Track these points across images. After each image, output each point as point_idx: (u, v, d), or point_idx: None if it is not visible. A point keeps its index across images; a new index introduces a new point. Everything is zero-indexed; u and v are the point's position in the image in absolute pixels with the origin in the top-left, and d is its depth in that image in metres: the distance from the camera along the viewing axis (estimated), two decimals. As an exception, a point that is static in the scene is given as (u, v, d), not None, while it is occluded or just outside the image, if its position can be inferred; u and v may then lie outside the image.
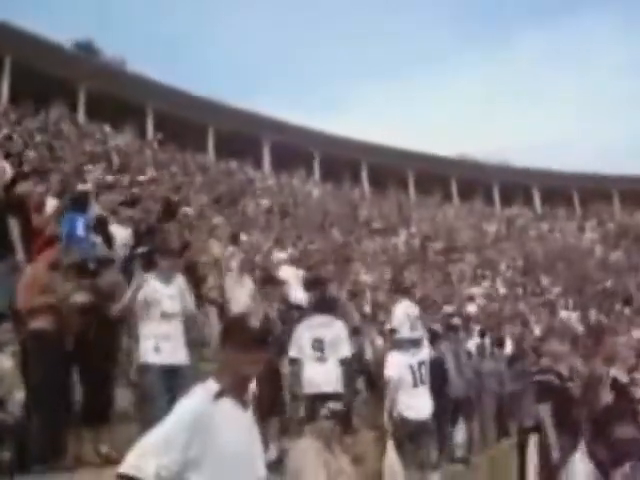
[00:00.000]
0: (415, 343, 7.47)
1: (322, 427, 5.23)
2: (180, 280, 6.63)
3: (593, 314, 22.00)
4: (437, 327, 10.70)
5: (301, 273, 11.99)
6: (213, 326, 9.54)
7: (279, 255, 13.72)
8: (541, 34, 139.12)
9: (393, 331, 8.26)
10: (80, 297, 6.73)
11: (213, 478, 2.59)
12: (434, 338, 9.60)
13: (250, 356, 2.76)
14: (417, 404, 7.22)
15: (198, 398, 2.68)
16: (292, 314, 8.94)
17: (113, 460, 5.73)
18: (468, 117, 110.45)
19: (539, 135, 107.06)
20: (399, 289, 10.92)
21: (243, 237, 13.70)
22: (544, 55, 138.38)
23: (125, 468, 2.51)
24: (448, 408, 9.21)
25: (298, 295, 10.21)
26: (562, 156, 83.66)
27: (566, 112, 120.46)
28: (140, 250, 8.71)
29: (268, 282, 8.94)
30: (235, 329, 2.88)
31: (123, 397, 7.48)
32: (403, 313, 8.57)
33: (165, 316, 6.30)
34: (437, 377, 8.39)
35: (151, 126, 33.06)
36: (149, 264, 6.95)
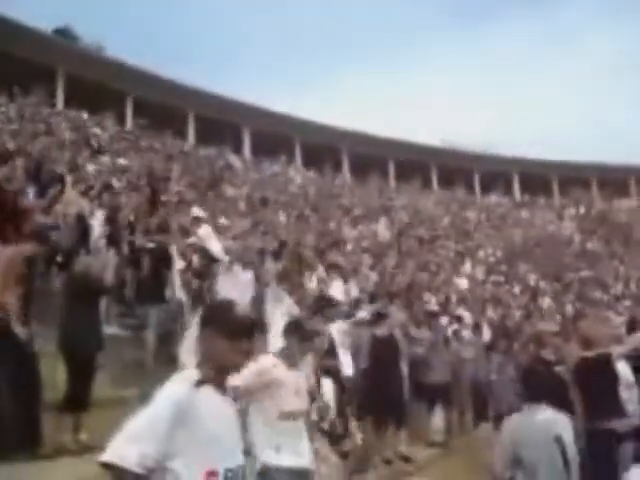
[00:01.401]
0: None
1: None
2: None
3: (570, 301, 22.20)
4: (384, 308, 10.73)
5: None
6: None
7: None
8: (524, 21, 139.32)
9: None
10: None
11: (194, 465, 2.57)
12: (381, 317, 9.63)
13: (237, 345, 2.73)
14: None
15: (180, 385, 2.66)
16: (212, 267, 9.00)
17: (92, 448, 5.73)
18: (450, 105, 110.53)
19: (521, 124, 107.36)
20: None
21: (223, 221, 13.66)
22: (527, 43, 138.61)
23: (107, 456, 2.47)
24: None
25: (216, 248, 10.17)
26: (543, 145, 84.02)
27: (548, 101, 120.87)
28: None
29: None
30: (221, 316, 2.82)
31: (102, 384, 7.48)
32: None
33: None
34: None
35: (130, 112, 32.83)
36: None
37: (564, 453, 4.26)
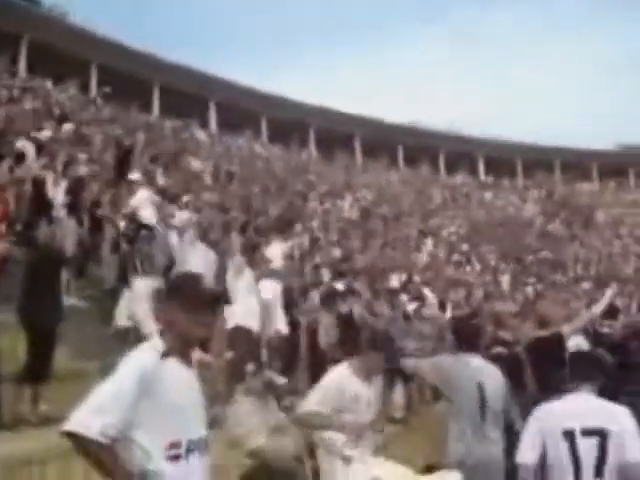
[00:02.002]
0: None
1: (251, 385, 5.27)
2: None
3: (530, 282, 22.50)
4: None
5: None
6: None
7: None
8: (495, 5, 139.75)
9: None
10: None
11: (157, 436, 2.59)
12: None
13: (201, 318, 2.75)
14: None
15: (145, 355, 2.66)
16: (141, 233, 9.00)
17: (51, 419, 5.71)
18: (419, 83, 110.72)
19: (489, 104, 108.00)
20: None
21: (187, 198, 13.54)
22: (499, 25, 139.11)
23: (71, 425, 2.46)
24: None
25: (146, 214, 10.13)
26: (510, 126, 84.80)
27: (517, 83, 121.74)
28: None
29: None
30: (186, 289, 2.82)
31: (62, 356, 7.43)
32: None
33: None
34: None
35: (95, 81, 32.29)
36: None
37: (483, 399, 4.59)
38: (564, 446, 3.76)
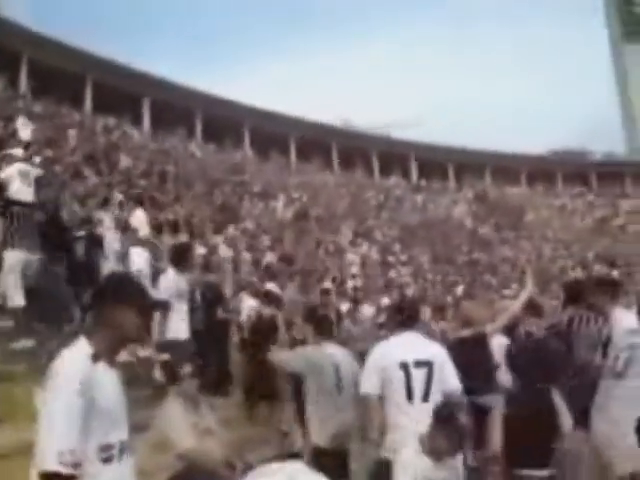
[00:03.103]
0: None
1: (186, 387, 5.25)
2: None
3: (460, 282, 22.91)
4: None
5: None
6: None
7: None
8: (435, 10, 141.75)
9: None
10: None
11: (92, 439, 2.57)
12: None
13: (141, 319, 2.76)
14: None
15: (79, 361, 2.62)
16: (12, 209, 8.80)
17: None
18: (355, 86, 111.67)
19: (424, 107, 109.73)
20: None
21: (119, 197, 13.36)
22: (436, 30, 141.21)
23: (48, 465, 2.44)
24: None
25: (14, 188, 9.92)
26: (442, 130, 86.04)
27: (450, 87, 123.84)
28: None
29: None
30: (136, 291, 2.84)
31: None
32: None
33: None
34: None
35: (25, 75, 31.47)
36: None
37: (339, 379, 5.33)
38: (400, 375, 4.48)
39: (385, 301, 15.84)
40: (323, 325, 5.74)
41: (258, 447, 7.18)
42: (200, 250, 12.12)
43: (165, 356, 7.34)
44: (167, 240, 11.22)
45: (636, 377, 4.32)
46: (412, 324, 4.91)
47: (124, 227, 10.59)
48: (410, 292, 18.17)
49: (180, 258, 7.72)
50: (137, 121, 35.12)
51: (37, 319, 7.88)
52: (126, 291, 2.82)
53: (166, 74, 37.97)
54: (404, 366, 4.51)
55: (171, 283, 7.40)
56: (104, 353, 2.69)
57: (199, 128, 39.21)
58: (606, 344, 5.06)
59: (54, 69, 31.28)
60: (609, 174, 50.97)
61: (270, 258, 15.65)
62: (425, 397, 4.46)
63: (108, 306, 2.76)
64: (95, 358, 2.63)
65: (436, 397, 4.43)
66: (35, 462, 2.48)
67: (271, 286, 10.66)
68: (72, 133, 21.75)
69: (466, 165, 48.13)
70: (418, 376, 4.50)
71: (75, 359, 2.63)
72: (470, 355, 5.41)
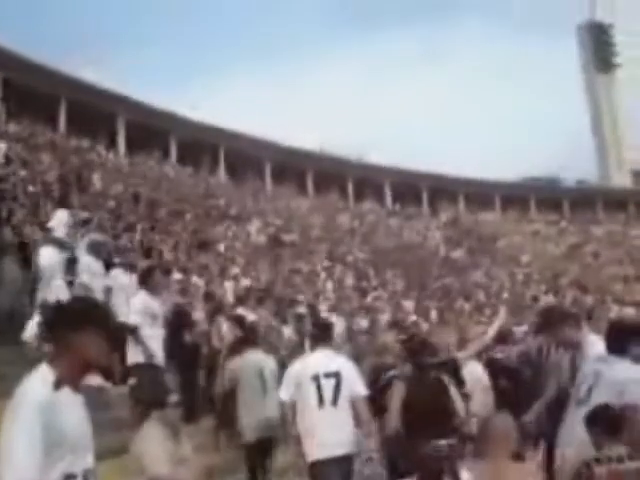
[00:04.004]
0: None
1: (169, 415, 5.19)
2: None
3: (434, 308, 22.90)
4: None
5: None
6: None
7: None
8: (409, 32, 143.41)
9: None
10: None
11: (54, 470, 2.50)
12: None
13: (109, 344, 2.71)
14: None
15: (39, 389, 2.55)
16: None
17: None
18: (332, 110, 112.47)
19: (397, 134, 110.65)
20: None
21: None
22: (412, 53, 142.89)
23: None
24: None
25: None
26: (416, 156, 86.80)
27: (424, 114, 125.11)
28: None
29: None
30: (105, 319, 2.79)
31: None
32: None
33: None
34: None
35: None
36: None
37: (264, 381, 7.02)
38: (312, 385, 5.39)
39: (358, 323, 15.84)
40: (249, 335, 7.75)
41: (227, 474, 7.13)
42: (176, 275, 12.04)
43: (132, 381, 7.26)
44: (140, 263, 11.09)
45: (595, 403, 4.34)
46: (324, 343, 5.76)
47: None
48: (384, 317, 18.12)
49: (147, 281, 7.64)
50: (112, 142, 34.96)
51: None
52: (91, 315, 2.75)
53: (141, 96, 37.90)
54: (315, 378, 5.43)
55: (140, 305, 7.32)
56: (68, 379, 2.62)
57: (174, 150, 39.12)
58: (576, 371, 5.09)
59: (28, 89, 31.09)
60: (581, 201, 51.63)
61: (244, 283, 15.57)
62: (334, 402, 5.38)
63: (72, 330, 2.67)
64: (57, 385, 2.56)
65: (344, 402, 5.39)
66: None
67: (242, 311, 10.60)
68: (45, 154, 21.60)
69: (440, 191, 48.50)
70: (328, 385, 5.41)
71: (35, 386, 2.56)
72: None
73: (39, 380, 2.59)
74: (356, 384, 5.47)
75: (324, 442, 5.37)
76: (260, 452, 6.94)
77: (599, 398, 4.34)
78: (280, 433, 6.50)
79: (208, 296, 11.86)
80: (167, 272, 11.27)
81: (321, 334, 5.91)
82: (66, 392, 2.61)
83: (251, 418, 6.90)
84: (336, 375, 5.44)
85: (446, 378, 4.97)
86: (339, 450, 5.33)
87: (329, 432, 5.34)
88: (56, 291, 8.35)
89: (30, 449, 2.43)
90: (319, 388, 5.41)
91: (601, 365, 4.59)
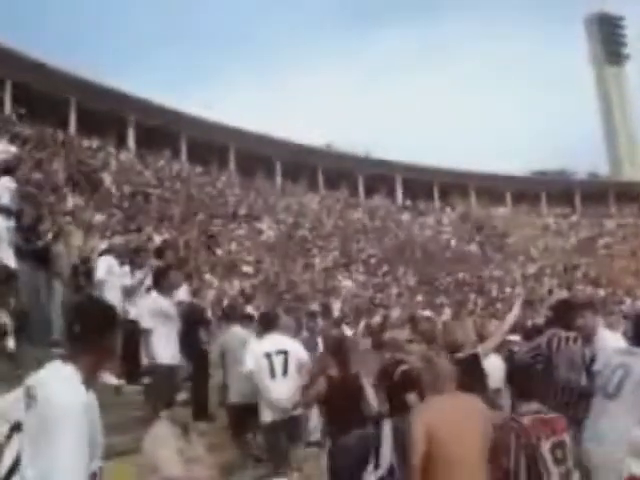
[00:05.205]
0: None
1: (179, 414, 5.20)
2: None
3: (446, 303, 22.91)
4: None
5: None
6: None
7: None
8: (409, 29, 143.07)
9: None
10: None
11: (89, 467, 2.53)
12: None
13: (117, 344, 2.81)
14: None
15: (79, 392, 2.57)
16: None
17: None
18: (339, 107, 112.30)
19: (406, 129, 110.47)
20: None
21: (100, 217, 13.30)
22: (414, 50, 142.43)
23: None
24: None
25: None
26: (429, 151, 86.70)
27: (435, 109, 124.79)
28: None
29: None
30: (113, 315, 2.86)
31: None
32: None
33: None
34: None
35: (9, 98, 31.40)
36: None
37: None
38: (265, 360, 6.79)
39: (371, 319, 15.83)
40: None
41: (240, 471, 7.16)
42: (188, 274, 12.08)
43: (146, 380, 7.29)
44: (153, 262, 11.13)
45: (628, 396, 4.32)
46: (272, 329, 7.17)
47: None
48: (395, 313, 18.12)
49: (161, 281, 7.65)
50: (122, 143, 35.08)
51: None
52: (113, 319, 2.82)
53: (150, 96, 37.95)
54: (267, 355, 6.83)
55: (152, 306, 7.34)
56: (90, 379, 2.65)
57: (184, 150, 39.19)
58: (589, 364, 5.06)
59: (39, 92, 31.23)
60: (593, 194, 51.33)
61: (252, 281, 15.62)
62: (284, 374, 6.77)
63: (99, 334, 2.72)
64: (87, 385, 2.60)
65: (293, 373, 6.75)
66: None
67: (251, 310, 10.64)
68: (57, 155, 21.71)
69: (451, 185, 48.36)
70: (278, 360, 6.81)
71: (75, 389, 2.57)
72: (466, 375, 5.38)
73: (73, 381, 2.59)
74: (302, 358, 6.98)
75: (275, 407, 6.69)
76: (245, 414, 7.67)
77: (630, 392, 4.33)
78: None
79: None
80: (180, 271, 11.29)
81: (270, 323, 7.32)
82: (88, 392, 2.63)
83: (235, 385, 7.74)
84: (285, 352, 6.87)
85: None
86: (288, 413, 6.68)
87: (279, 398, 6.66)
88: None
89: (81, 454, 2.47)
90: (271, 363, 6.81)
91: (629, 358, 4.56)
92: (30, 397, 2.56)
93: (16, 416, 2.64)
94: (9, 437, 2.65)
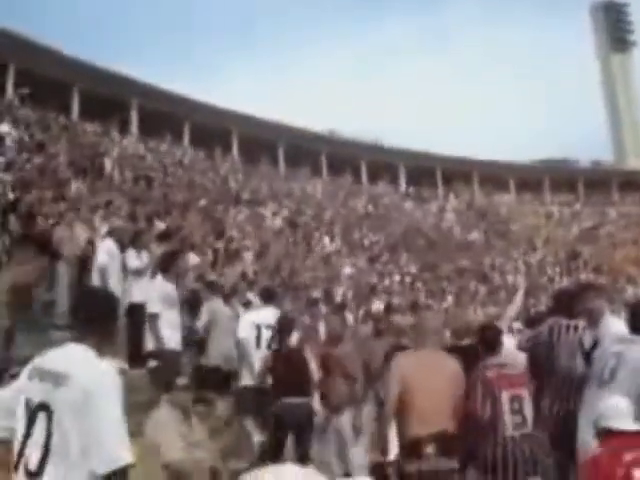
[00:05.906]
0: None
1: (179, 397, 5.22)
2: None
3: (449, 291, 22.95)
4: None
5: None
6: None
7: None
8: (415, 17, 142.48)
9: None
10: None
11: None
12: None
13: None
14: None
15: (107, 364, 2.83)
16: None
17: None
18: (341, 94, 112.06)
19: (411, 116, 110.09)
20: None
21: (102, 201, 13.27)
22: (415, 36, 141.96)
23: (125, 460, 2.64)
24: None
25: None
26: (432, 138, 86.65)
27: (439, 96, 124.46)
28: None
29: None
30: (118, 305, 3.26)
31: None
32: None
33: None
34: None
35: (12, 81, 31.31)
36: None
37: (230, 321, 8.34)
38: (255, 331, 7.52)
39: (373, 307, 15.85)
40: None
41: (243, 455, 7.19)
42: (194, 260, 12.04)
43: (151, 364, 7.31)
44: (156, 248, 11.13)
45: (622, 383, 4.33)
46: (270, 303, 8.01)
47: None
48: (397, 300, 18.16)
49: (168, 265, 7.66)
50: (124, 128, 34.97)
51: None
52: (117, 307, 3.17)
53: (152, 80, 37.82)
54: (257, 327, 7.52)
55: (159, 291, 7.35)
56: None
57: (187, 135, 39.09)
58: (590, 349, 5.06)
59: (41, 76, 31.12)
60: (596, 182, 51.20)
61: (255, 267, 15.63)
62: (269, 346, 7.38)
63: (111, 322, 3.05)
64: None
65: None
66: (120, 459, 2.61)
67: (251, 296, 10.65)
68: (60, 138, 21.66)
69: (454, 173, 48.24)
70: (266, 334, 7.46)
71: (111, 367, 2.83)
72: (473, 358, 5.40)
73: (111, 368, 2.85)
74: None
75: (254, 374, 7.29)
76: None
77: (623, 379, 4.34)
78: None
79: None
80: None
81: (268, 298, 8.15)
82: None
83: (218, 350, 8.21)
84: (273, 327, 7.40)
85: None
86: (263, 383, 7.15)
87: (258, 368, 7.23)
88: None
89: (124, 420, 2.74)
90: (259, 334, 7.49)
91: (624, 346, 4.57)
92: (57, 376, 2.64)
93: (35, 397, 2.72)
94: (31, 418, 2.71)
